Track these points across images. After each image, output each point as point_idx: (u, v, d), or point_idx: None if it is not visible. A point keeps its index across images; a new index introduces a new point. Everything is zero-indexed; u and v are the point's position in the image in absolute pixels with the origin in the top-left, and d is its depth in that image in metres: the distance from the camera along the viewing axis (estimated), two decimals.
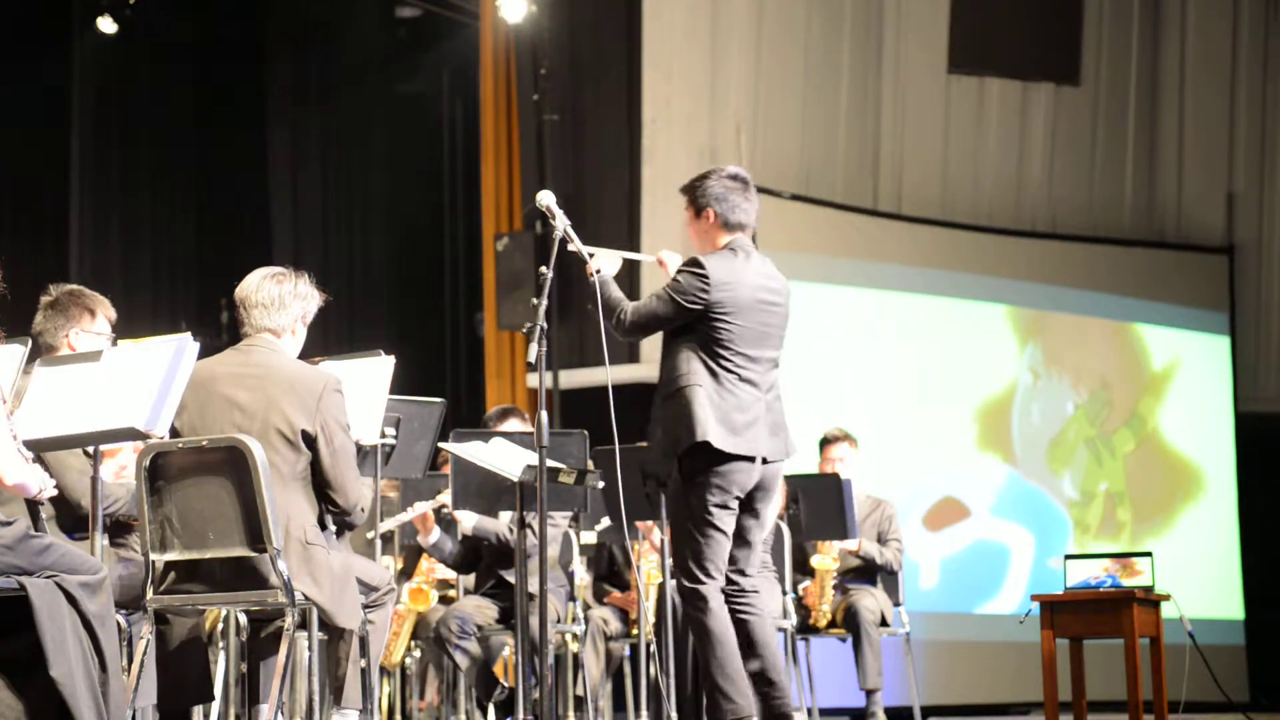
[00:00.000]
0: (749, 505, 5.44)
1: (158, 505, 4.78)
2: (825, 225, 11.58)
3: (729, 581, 5.42)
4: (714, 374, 5.36)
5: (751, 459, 5.36)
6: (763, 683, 5.40)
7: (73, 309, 5.18)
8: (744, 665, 5.40)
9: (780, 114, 11.61)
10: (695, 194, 5.58)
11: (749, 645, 5.41)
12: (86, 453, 4.69)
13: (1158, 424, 12.45)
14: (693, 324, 5.39)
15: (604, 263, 5.54)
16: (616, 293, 5.49)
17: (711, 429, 5.29)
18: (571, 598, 7.09)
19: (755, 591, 5.47)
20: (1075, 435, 12.22)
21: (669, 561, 6.38)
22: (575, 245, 5.43)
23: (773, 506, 5.61)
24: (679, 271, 5.43)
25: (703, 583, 5.33)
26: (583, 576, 7.79)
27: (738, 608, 5.42)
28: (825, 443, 8.17)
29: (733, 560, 5.43)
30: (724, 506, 5.35)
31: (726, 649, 5.32)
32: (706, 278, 5.36)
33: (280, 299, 5.10)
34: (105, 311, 5.25)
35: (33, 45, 11.94)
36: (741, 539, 5.45)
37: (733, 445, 5.32)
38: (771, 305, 5.53)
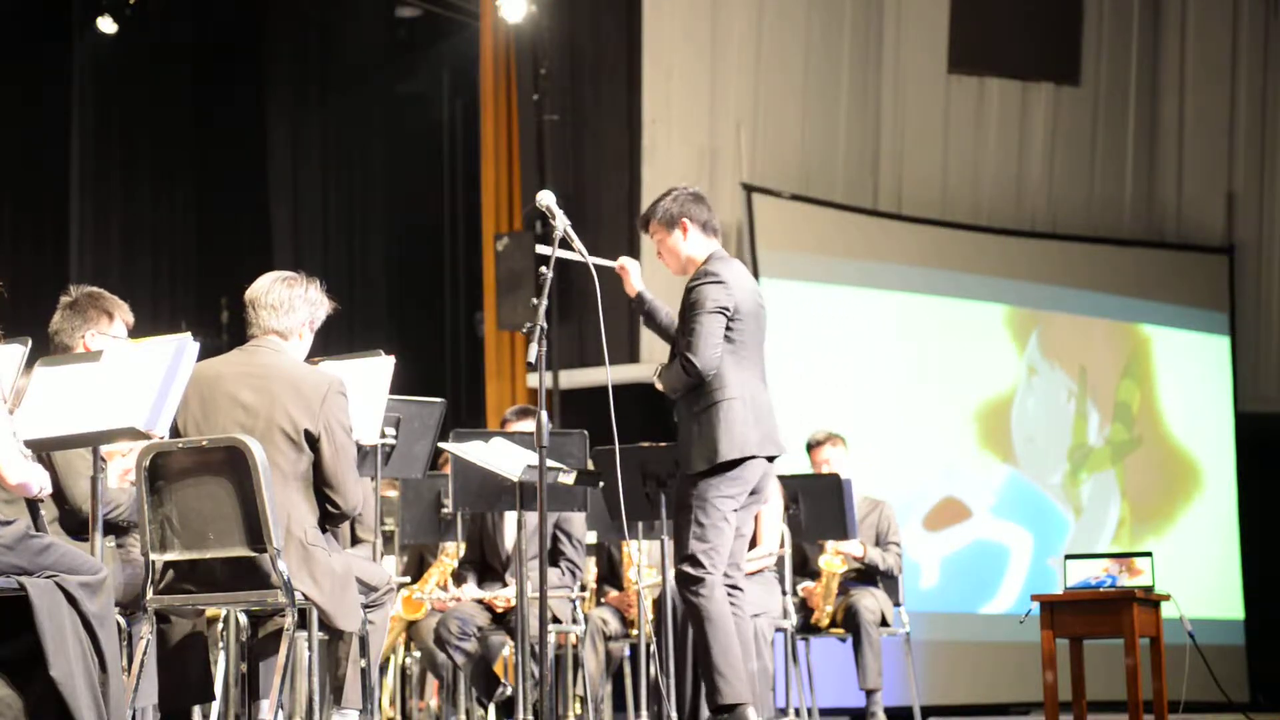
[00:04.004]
0: (745, 499, 5.51)
1: (158, 505, 4.78)
2: (825, 225, 11.59)
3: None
4: (742, 380, 5.42)
5: (766, 458, 5.48)
6: None
7: (90, 311, 5.18)
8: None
9: (780, 114, 11.61)
10: (662, 214, 5.61)
11: None
12: (90, 451, 4.69)
13: (1157, 424, 12.45)
14: None
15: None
16: (664, 369, 5.51)
17: (752, 443, 5.39)
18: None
19: (742, 590, 5.55)
20: (1075, 435, 12.22)
21: (669, 562, 6.39)
22: (575, 252, 5.43)
23: (762, 501, 5.69)
24: (695, 289, 5.46)
25: (709, 571, 5.39)
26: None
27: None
28: (812, 446, 8.17)
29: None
30: (734, 499, 5.44)
31: (727, 634, 5.39)
32: (724, 282, 5.43)
33: (290, 302, 5.12)
34: (123, 315, 5.25)
35: (33, 45, 11.94)
36: (736, 532, 5.53)
37: (761, 448, 5.43)
38: (762, 307, 5.65)
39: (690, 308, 5.46)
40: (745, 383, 5.44)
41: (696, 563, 5.40)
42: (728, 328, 5.43)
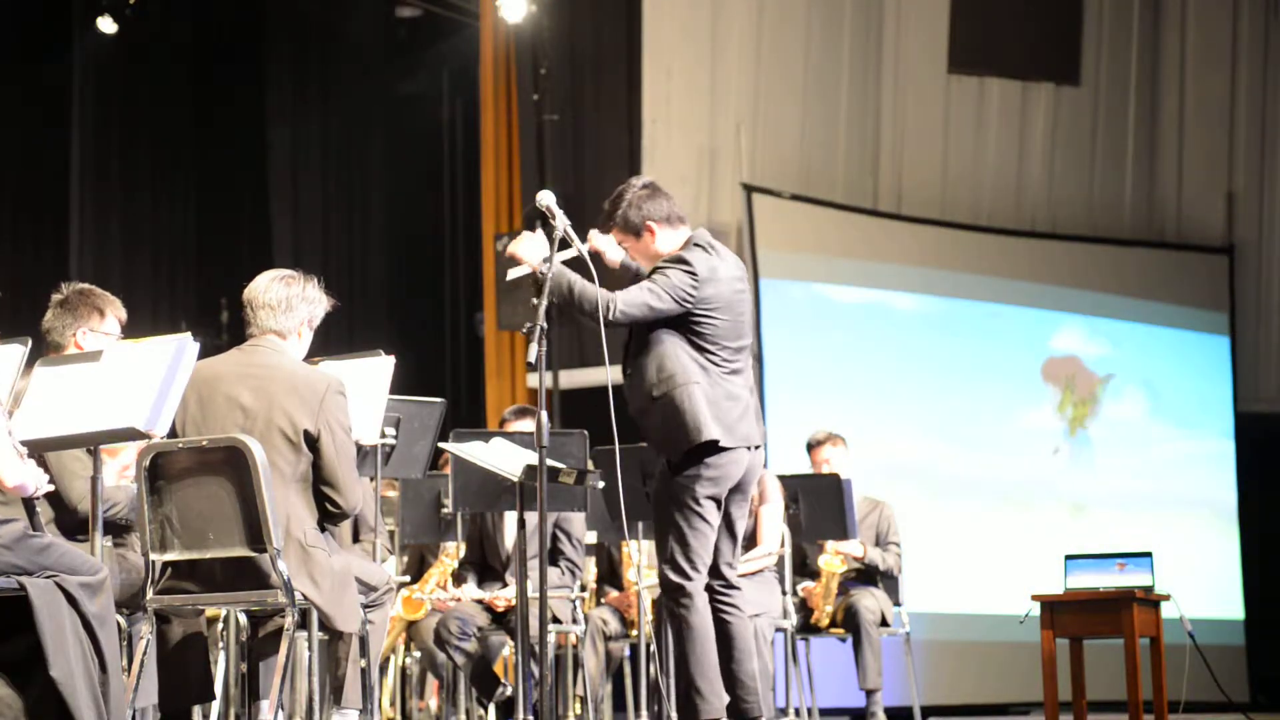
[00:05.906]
0: (731, 496, 5.41)
1: (158, 505, 4.78)
2: (825, 225, 11.58)
3: (716, 575, 5.40)
4: (704, 369, 5.33)
5: (745, 448, 5.36)
6: (734, 684, 5.39)
7: (82, 308, 5.18)
8: (718, 664, 5.40)
9: (780, 114, 11.61)
10: (623, 220, 5.50)
11: (725, 645, 5.39)
12: (89, 451, 4.69)
13: (1156, 424, 12.45)
14: (673, 320, 5.33)
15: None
16: (586, 282, 5.30)
17: (712, 427, 5.26)
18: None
19: (739, 589, 5.45)
20: (1077, 434, 12.21)
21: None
22: (575, 246, 5.41)
23: (750, 496, 5.60)
24: (666, 268, 5.36)
25: (689, 578, 5.30)
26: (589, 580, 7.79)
27: (720, 607, 5.40)
28: (812, 446, 8.16)
29: (717, 552, 5.41)
30: (714, 499, 5.33)
31: (706, 647, 5.30)
32: (696, 275, 5.32)
33: (288, 301, 5.11)
34: (115, 312, 5.24)
35: (33, 45, 11.95)
36: (727, 530, 5.43)
37: (730, 439, 5.30)
38: (743, 294, 5.49)
39: (654, 272, 5.38)
40: (705, 376, 5.29)
41: (679, 570, 5.31)
42: (697, 321, 5.35)
